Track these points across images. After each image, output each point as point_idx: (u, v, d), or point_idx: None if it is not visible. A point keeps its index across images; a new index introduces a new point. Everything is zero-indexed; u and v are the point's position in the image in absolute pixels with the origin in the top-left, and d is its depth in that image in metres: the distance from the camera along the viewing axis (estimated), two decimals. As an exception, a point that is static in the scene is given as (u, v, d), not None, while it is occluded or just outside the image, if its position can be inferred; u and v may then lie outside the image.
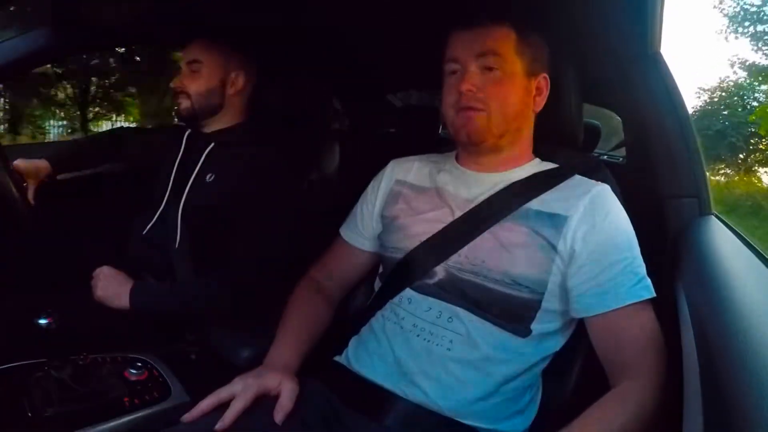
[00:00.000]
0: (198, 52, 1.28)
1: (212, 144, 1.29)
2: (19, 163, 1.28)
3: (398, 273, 0.94)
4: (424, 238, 0.92)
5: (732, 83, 16.21)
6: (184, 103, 1.28)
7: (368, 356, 0.91)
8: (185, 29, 1.31)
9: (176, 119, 1.39)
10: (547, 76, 0.94)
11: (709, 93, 16.64)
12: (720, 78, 19.30)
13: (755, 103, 15.04)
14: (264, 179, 1.21)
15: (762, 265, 0.75)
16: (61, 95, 9.00)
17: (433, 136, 2.19)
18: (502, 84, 0.88)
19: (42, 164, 1.34)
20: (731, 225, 0.95)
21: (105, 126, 9.43)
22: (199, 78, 1.28)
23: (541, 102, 0.94)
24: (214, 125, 1.32)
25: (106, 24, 1.35)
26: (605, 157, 1.97)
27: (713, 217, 0.99)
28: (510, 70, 0.89)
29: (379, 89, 2.31)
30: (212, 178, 1.25)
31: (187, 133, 1.36)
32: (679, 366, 0.72)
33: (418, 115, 2.25)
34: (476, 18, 0.90)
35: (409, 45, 1.53)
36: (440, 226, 0.92)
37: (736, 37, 15.86)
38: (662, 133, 1.04)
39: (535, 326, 0.86)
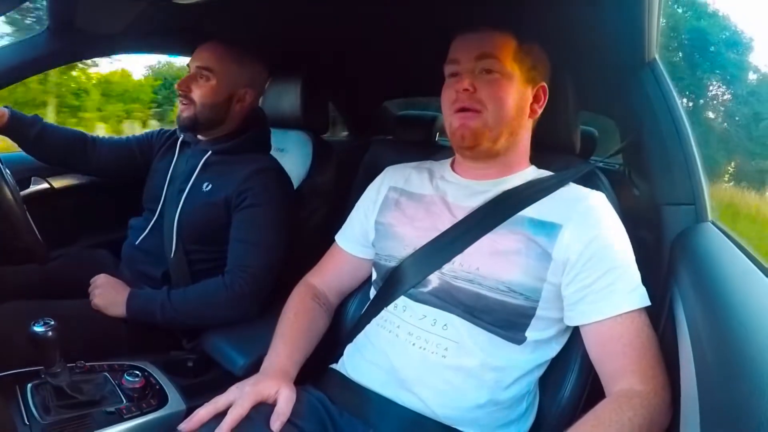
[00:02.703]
0: (211, 60, 1.23)
1: (209, 153, 1.27)
2: None
3: (392, 281, 0.94)
4: (418, 246, 0.92)
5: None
6: (187, 112, 1.24)
7: (364, 364, 0.91)
8: (184, 38, 1.30)
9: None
10: (545, 86, 0.95)
11: None
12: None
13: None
14: (260, 186, 1.21)
15: (759, 273, 0.75)
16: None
17: (430, 144, 2.20)
18: (500, 86, 0.89)
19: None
20: (728, 232, 0.95)
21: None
22: (207, 87, 1.23)
23: (538, 110, 0.95)
24: (211, 134, 1.31)
25: (104, 32, 1.35)
26: (602, 164, 1.98)
27: (710, 224, 0.99)
28: (508, 74, 0.90)
29: (377, 96, 2.32)
30: (209, 187, 1.24)
31: (180, 140, 1.35)
32: (675, 373, 0.72)
33: (415, 122, 2.26)
34: (479, 24, 0.92)
35: (407, 52, 1.54)
36: (434, 234, 0.91)
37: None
38: (659, 140, 1.04)
39: (530, 333, 0.85)
